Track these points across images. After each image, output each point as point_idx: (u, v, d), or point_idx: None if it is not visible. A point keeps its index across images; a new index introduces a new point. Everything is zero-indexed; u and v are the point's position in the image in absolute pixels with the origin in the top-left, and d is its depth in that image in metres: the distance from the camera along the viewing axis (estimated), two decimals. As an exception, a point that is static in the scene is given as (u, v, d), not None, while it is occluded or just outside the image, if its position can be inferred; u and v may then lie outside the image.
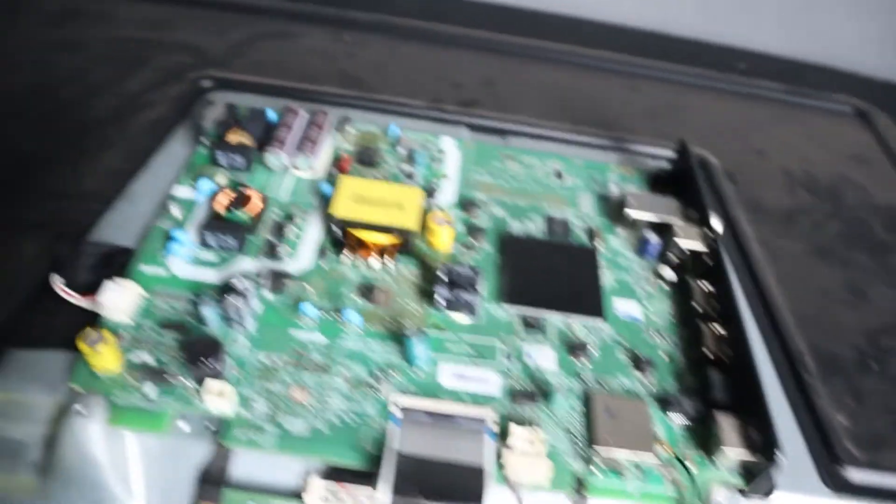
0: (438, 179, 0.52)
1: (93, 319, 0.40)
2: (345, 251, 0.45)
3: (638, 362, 0.43)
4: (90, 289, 0.42)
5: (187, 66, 0.63)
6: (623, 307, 0.47)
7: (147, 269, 0.44)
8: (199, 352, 0.37)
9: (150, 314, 0.41)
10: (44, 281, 0.42)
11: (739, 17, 0.88)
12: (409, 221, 0.46)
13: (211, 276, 0.44)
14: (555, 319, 0.45)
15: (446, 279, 0.44)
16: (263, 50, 0.66)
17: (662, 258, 0.50)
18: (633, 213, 0.51)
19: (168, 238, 0.45)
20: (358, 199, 0.46)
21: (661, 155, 0.62)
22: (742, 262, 0.55)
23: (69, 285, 0.42)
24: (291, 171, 0.51)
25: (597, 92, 0.69)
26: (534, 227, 0.51)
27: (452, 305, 0.43)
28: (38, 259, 0.44)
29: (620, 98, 0.69)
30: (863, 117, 0.74)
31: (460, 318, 0.44)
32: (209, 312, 0.40)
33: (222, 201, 0.46)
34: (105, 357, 0.37)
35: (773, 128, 0.70)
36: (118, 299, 0.40)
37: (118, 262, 0.45)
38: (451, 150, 0.55)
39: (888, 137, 0.71)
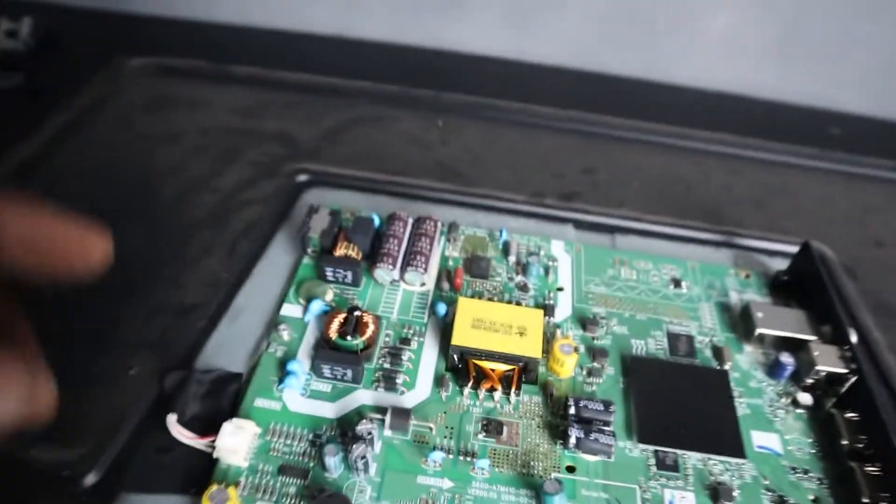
0: (553, 292, 0.50)
1: (204, 458, 0.38)
2: (467, 383, 0.42)
3: (787, 509, 0.40)
4: (200, 421, 0.40)
5: (280, 156, 0.61)
6: (762, 440, 0.43)
7: (261, 402, 0.41)
8: (331, 514, 0.35)
9: (266, 457, 0.39)
10: (152, 413, 0.41)
11: (824, 73, 0.82)
12: (532, 349, 0.43)
13: (327, 411, 0.42)
14: (692, 458, 0.42)
15: (577, 415, 0.41)
16: (356, 138, 0.65)
17: (796, 380, 0.47)
18: (765, 330, 0.48)
19: (281, 368, 0.43)
20: (478, 324, 0.44)
21: (775, 251, 0.58)
22: (876, 374, 0.51)
23: (180, 422, 0.40)
24: (402, 285, 0.49)
25: (696, 176, 0.66)
26: (654, 345, 0.48)
27: (587, 447, 0.40)
28: (146, 386, 0.43)
29: (722, 183, 0.66)
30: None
31: (593, 458, 0.41)
32: (333, 462, 0.38)
33: (335, 326, 0.44)
34: (231, 517, 0.35)
35: (889, 211, 0.66)
36: (236, 441, 0.38)
37: (229, 392, 0.43)
38: (561, 255, 0.53)
39: None
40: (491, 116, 0.69)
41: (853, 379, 0.45)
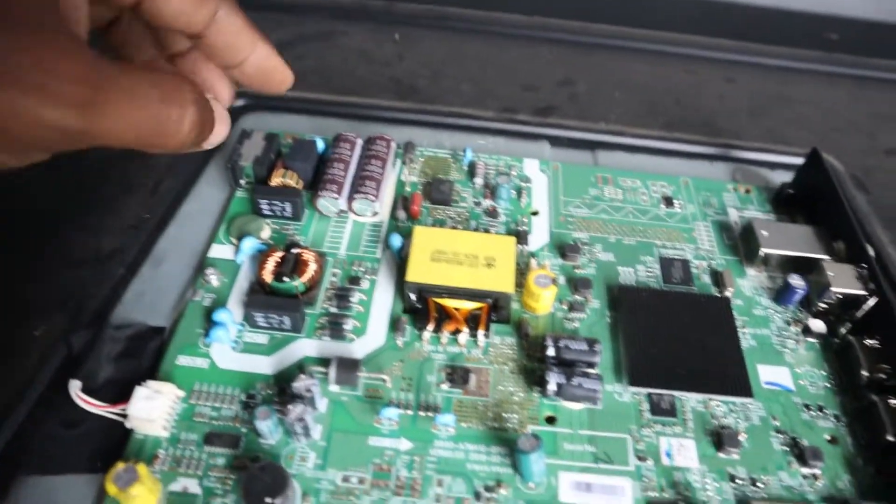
0: (528, 217, 0.43)
1: (122, 430, 0.32)
2: (427, 325, 0.36)
3: (801, 453, 0.34)
4: (116, 385, 0.34)
5: (215, 80, 0.54)
6: (770, 375, 0.38)
7: (185, 360, 0.35)
8: (262, 491, 0.29)
9: (191, 424, 0.33)
10: (59, 381, 0.34)
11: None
12: (504, 282, 0.37)
13: (263, 366, 0.35)
14: (691, 400, 0.36)
15: (556, 358, 0.35)
16: (303, 55, 0.57)
17: (807, 305, 0.41)
18: (770, 250, 0.41)
19: (208, 319, 0.36)
20: (438, 256, 0.37)
21: (777, 163, 0.52)
22: (893, 291, 0.45)
23: (91, 388, 0.34)
24: (350, 216, 0.42)
25: (688, 85, 0.59)
26: (645, 273, 0.41)
27: (569, 394, 0.34)
28: (52, 348, 0.36)
29: (715, 91, 0.59)
30: None
31: (576, 405, 0.35)
32: (266, 426, 0.31)
33: (270, 267, 0.37)
34: (141, 500, 0.29)
35: (899, 118, 0.59)
36: (152, 409, 0.32)
37: (149, 349, 0.36)
38: (536, 176, 0.46)
39: None
40: (453, 27, 0.61)
41: (872, 301, 0.39)
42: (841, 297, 0.39)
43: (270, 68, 0.31)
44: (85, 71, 0.23)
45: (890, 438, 0.34)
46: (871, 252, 0.41)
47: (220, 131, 0.30)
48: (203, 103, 0.27)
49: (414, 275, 0.36)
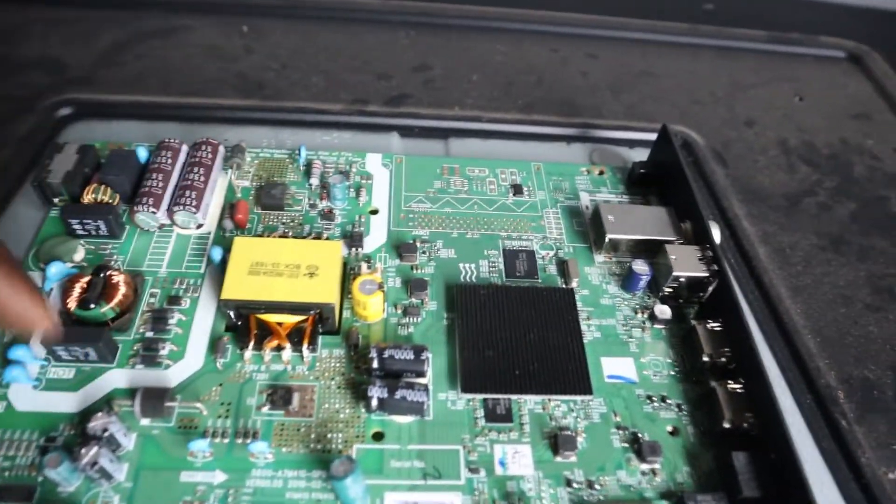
0: (366, 217, 0.41)
1: None
2: (248, 345, 0.34)
3: (640, 449, 0.33)
4: None
5: (42, 87, 0.50)
6: (613, 368, 0.37)
7: (-23, 404, 0.32)
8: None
9: (-18, 476, 0.30)
10: None
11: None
12: (327, 292, 0.35)
13: (67, 404, 0.32)
14: (529, 402, 0.34)
15: (382, 369, 0.33)
16: (141, 55, 0.53)
17: (653, 289, 0.40)
18: (616, 235, 0.40)
19: (5, 357, 0.33)
20: (256, 269, 0.35)
21: (637, 140, 0.51)
22: (746, 271, 0.45)
23: None
24: (175, 229, 0.39)
25: (548, 63, 0.58)
26: (488, 268, 0.40)
27: (393, 408, 0.32)
28: None
29: (576, 68, 0.58)
30: (857, 62, 0.63)
31: (405, 419, 0.33)
32: (58, 474, 0.29)
33: (76, 294, 0.34)
34: None
35: (759, 88, 0.59)
36: (-68, 464, 0.29)
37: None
38: (378, 171, 0.44)
39: (888, 85, 0.60)
40: (305, 15, 0.58)
41: (715, 282, 0.38)
42: (684, 280, 0.39)
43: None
44: None
45: (726, 425, 0.34)
46: (716, 232, 0.40)
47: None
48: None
49: (230, 291, 0.34)
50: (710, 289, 0.39)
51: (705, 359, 0.36)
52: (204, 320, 0.36)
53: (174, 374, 0.34)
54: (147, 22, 0.56)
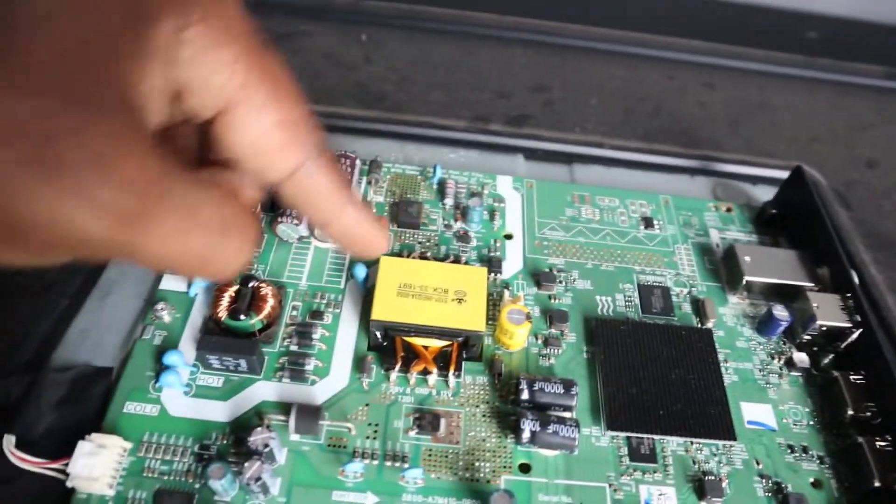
0: (501, 241, 0.41)
1: (62, 488, 0.30)
2: (394, 365, 0.34)
3: (785, 500, 0.33)
4: (58, 435, 0.31)
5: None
6: (753, 413, 0.36)
7: (133, 407, 0.32)
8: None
9: (139, 480, 0.30)
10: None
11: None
12: (475, 319, 0.34)
13: (217, 413, 0.33)
14: (671, 444, 0.34)
15: (531, 401, 0.33)
16: (261, 60, 0.53)
17: (790, 336, 0.39)
18: (753, 278, 0.40)
19: (159, 360, 0.33)
20: (405, 291, 0.35)
21: (759, 177, 0.50)
22: (876, 320, 0.43)
23: (30, 439, 0.31)
24: (312, 241, 0.39)
25: (666, 91, 0.57)
26: (624, 301, 0.39)
27: (544, 442, 0.32)
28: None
29: (695, 98, 0.57)
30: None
31: (551, 452, 0.33)
32: (221, 485, 0.29)
33: (225, 304, 0.34)
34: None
35: (880, 127, 0.58)
36: (95, 465, 0.29)
37: (96, 393, 0.34)
38: (510, 194, 0.44)
39: None
40: (422, 27, 0.58)
41: (857, 333, 0.37)
42: (826, 328, 0.38)
43: (358, 236, 0.27)
44: (146, 176, 0.18)
45: (877, 484, 0.33)
46: (856, 279, 0.39)
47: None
48: (260, 237, 0.23)
49: (380, 312, 0.34)
50: (849, 339, 0.38)
51: (850, 412, 0.35)
52: (347, 337, 0.36)
53: (321, 391, 0.34)
54: (267, 26, 0.56)
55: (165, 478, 0.31)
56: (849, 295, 0.38)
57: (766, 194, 0.47)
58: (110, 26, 0.18)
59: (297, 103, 0.23)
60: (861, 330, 0.37)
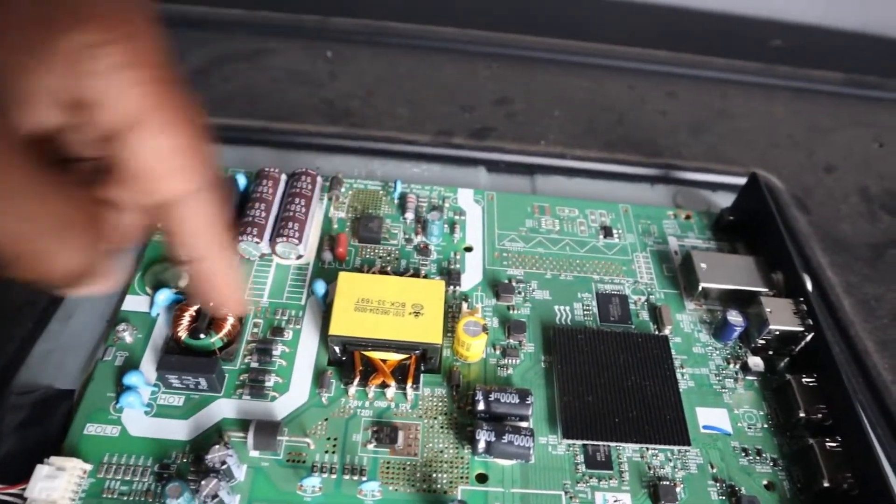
0: (461, 253, 0.41)
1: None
2: (353, 379, 0.34)
3: (738, 501, 0.33)
4: (18, 459, 0.32)
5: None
6: (709, 418, 0.37)
7: (94, 429, 0.33)
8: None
9: (99, 501, 0.31)
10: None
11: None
12: (432, 332, 0.35)
13: (178, 432, 0.33)
14: (627, 450, 0.35)
15: (487, 412, 0.34)
16: (228, 77, 0.54)
17: (746, 340, 0.40)
18: (709, 284, 0.41)
19: (120, 381, 0.34)
20: (363, 305, 0.35)
21: (719, 183, 0.51)
22: (832, 323, 0.45)
23: (-11, 464, 0.31)
24: (274, 258, 0.40)
25: (628, 100, 0.58)
26: (582, 311, 0.40)
27: (499, 452, 0.33)
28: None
29: (656, 106, 0.58)
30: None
31: (508, 462, 0.33)
32: (179, 504, 0.29)
33: (185, 323, 0.35)
34: None
35: (838, 132, 0.59)
36: (54, 488, 0.30)
37: (58, 415, 0.34)
38: (470, 207, 0.44)
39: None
40: (387, 42, 0.59)
41: (809, 336, 0.38)
42: (779, 333, 0.39)
43: (217, 285, 0.27)
44: None
45: (826, 484, 0.34)
46: (809, 285, 0.40)
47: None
48: (97, 255, 0.23)
49: (338, 327, 0.35)
50: (803, 343, 0.39)
51: (801, 414, 0.36)
52: (307, 353, 0.36)
53: (281, 407, 0.34)
54: (232, 44, 0.57)
55: (125, 498, 0.31)
56: (801, 299, 0.39)
57: (725, 201, 0.48)
58: (15, 21, 0.20)
59: (195, 135, 0.23)
60: (812, 334, 0.38)
